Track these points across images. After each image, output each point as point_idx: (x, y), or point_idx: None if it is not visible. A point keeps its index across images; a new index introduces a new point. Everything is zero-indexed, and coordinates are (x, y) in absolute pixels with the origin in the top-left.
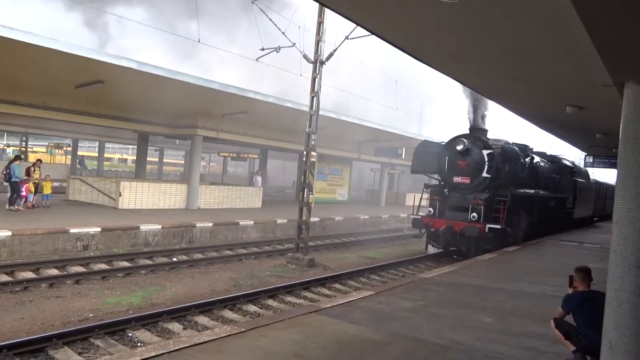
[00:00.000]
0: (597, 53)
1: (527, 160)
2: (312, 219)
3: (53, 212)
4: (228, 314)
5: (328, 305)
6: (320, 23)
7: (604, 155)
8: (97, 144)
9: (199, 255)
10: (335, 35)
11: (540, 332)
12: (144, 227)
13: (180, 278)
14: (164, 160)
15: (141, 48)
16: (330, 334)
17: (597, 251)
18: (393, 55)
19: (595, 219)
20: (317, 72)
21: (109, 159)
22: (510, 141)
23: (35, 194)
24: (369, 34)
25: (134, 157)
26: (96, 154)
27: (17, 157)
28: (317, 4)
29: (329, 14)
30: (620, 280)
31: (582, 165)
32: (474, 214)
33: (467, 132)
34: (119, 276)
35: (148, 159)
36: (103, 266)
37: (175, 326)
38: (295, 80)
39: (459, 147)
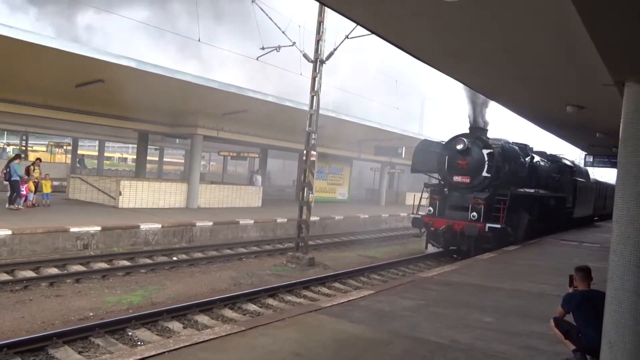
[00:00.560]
0: (598, 52)
1: (527, 159)
2: (312, 218)
3: (53, 211)
4: (228, 313)
5: (328, 305)
6: (320, 22)
7: (604, 154)
8: (97, 143)
9: (199, 254)
10: (336, 34)
11: (540, 331)
12: (144, 226)
13: (180, 277)
14: (164, 159)
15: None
16: (331, 333)
17: (597, 250)
18: (393, 55)
19: (595, 218)
20: (317, 71)
21: (109, 158)
22: (510, 140)
23: (35, 193)
24: (369, 33)
25: (134, 156)
26: (96, 153)
27: (17, 156)
28: (317, 3)
29: (329, 13)
30: (620, 279)
31: (582, 165)
32: (474, 213)
33: (467, 131)
34: (119, 275)
35: (148, 158)
36: (103, 265)
37: (175, 325)
38: (296, 80)
39: (459, 147)
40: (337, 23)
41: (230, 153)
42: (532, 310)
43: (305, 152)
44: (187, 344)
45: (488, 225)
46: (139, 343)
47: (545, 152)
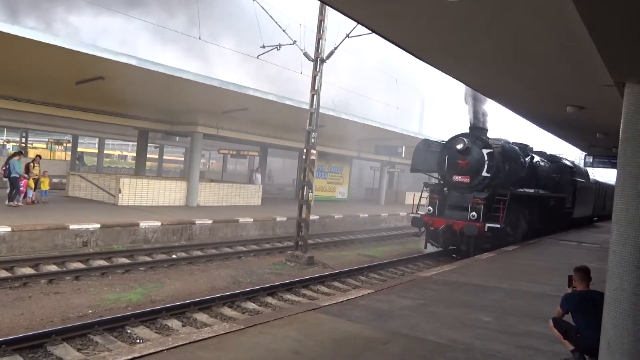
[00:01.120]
0: (598, 53)
1: (527, 159)
2: (312, 217)
3: (52, 208)
4: (227, 311)
5: (327, 303)
6: (321, 21)
7: (604, 155)
8: (97, 140)
9: (198, 253)
10: (336, 33)
11: (539, 331)
12: (143, 224)
13: (179, 275)
14: (164, 157)
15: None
16: (329, 332)
17: (597, 251)
18: (394, 54)
19: (594, 218)
20: (317, 70)
21: (108, 156)
22: (510, 140)
23: (34, 190)
24: (370, 32)
25: (134, 154)
26: (96, 151)
27: (16, 153)
28: (318, 2)
29: (330, 12)
30: (619, 280)
31: (582, 165)
32: (474, 213)
33: (467, 131)
34: (118, 273)
35: (148, 155)
36: (102, 263)
37: (174, 323)
38: (295, 77)
39: (459, 146)
40: (337, 22)
41: (230, 151)
42: (531, 310)
43: (305, 150)
44: (186, 342)
45: (487, 225)
46: (138, 341)
47: (545, 152)
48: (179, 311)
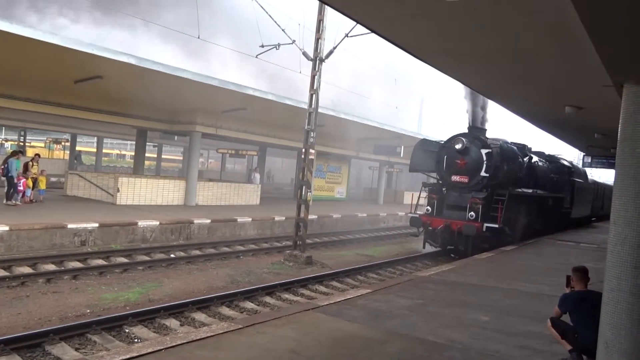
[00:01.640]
0: (597, 53)
1: (525, 159)
2: (310, 217)
3: (51, 207)
4: (225, 310)
5: (325, 303)
6: (320, 21)
7: (602, 155)
8: (95, 139)
9: (197, 252)
10: (335, 33)
11: (537, 331)
12: (141, 223)
13: (177, 274)
14: (163, 156)
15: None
16: (327, 332)
17: (595, 251)
18: (393, 54)
19: (593, 219)
20: (316, 69)
21: (107, 155)
22: (509, 140)
23: (33, 189)
24: (369, 32)
25: (132, 153)
26: (94, 150)
27: (14, 152)
28: (317, 2)
29: (329, 11)
30: (617, 280)
31: (580, 165)
32: (472, 213)
33: (466, 131)
34: (117, 272)
35: (146, 154)
36: (100, 262)
37: (172, 322)
38: (294, 77)
39: (458, 146)
40: (337, 21)
41: (228, 151)
42: (529, 310)
43: (304, 150)
44: (184, 341)
45: (486, 225)
46: (136, 340)
47: (543, 153)
48: (177, 310)
